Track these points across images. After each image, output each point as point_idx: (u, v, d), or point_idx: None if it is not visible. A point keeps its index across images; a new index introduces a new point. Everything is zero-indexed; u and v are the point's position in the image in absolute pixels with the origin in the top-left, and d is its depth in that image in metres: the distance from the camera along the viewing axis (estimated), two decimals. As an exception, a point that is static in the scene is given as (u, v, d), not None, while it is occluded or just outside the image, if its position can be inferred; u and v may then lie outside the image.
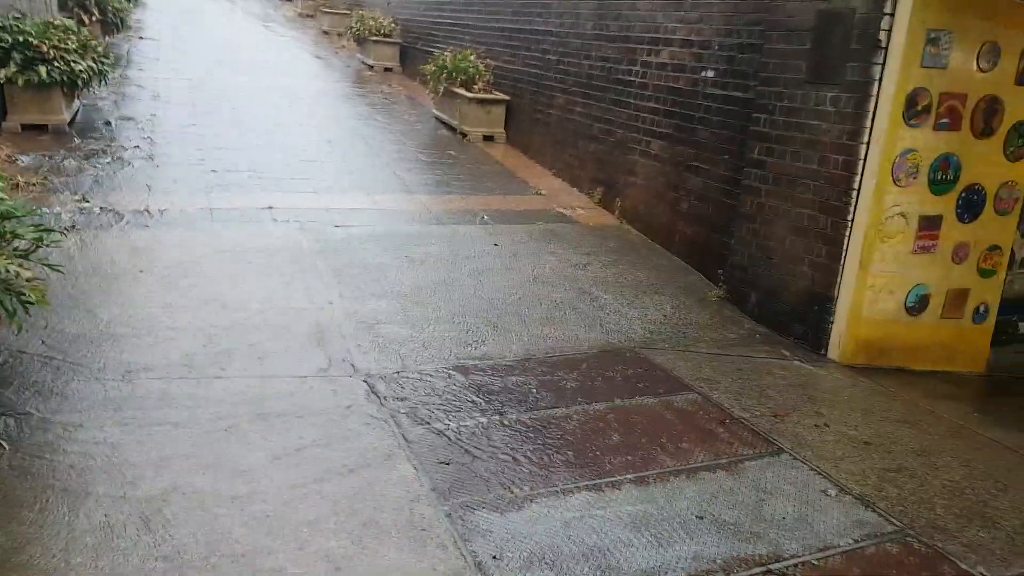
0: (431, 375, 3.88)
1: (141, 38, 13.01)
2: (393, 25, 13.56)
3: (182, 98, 9.50)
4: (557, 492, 2.97)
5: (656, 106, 6.49)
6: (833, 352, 4.62)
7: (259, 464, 2.98)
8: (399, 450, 3.17)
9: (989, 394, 4.71)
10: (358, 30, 13.74)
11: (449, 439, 3.29)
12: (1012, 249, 4.87)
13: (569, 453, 3.26)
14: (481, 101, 9.25)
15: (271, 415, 3.35)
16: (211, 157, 7.31)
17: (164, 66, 11.17)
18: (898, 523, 2.94)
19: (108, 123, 8.00)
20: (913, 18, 4.16)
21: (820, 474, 3.25)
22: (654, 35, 6.50)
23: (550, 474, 3.09)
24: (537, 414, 3.56)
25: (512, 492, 2.95)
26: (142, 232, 5.36)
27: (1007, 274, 4.91)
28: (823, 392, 4.15)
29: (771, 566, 2.63)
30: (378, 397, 3.60)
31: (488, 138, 9.29)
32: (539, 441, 3.34)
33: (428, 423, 3.41)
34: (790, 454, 3.39)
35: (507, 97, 9.30)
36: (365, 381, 3.75)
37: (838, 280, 4.56)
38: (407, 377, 3.83)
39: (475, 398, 3.68)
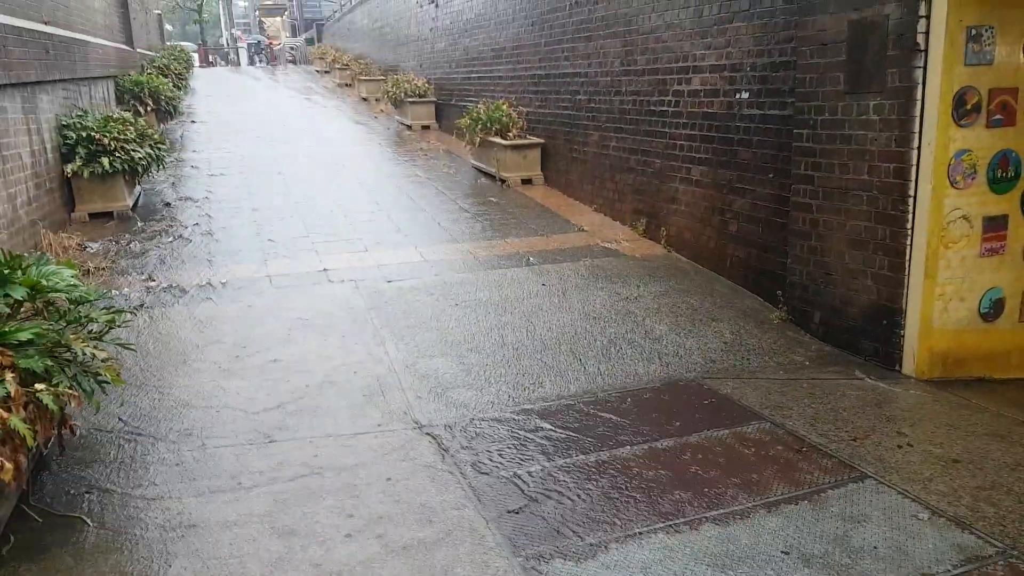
0: (492, 422, 3.83)
1: (193, 122, 13.65)
2: (427, 85, 13.93)
3: (234, 174, 9.87)
4: (632, 536, 2.86)
5: (692, 132, 6.45)
6: (907, 367, 4.41)
7: (331, 526, 2.96)
8: (467, 501, 3.11)
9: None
10: (394, 93, 14.15)
11: (516, 486, 3.22)
12: (1088, 243, 4.63)
13: (639, 493, 3.15)
14: (516, 147, 9.36)
15: (337, 472, 3.34)
16: (266, 227, 7.53)
17: (216, 146, 11.67)
18: (999, 544, 2.74)
19: (168, 204, 8.33)
20: (950, 17, 4.06)
21: (909, 497, 3.06)
22: (683, 64, 6.50)
23: (622, 517, 2.99)
24: (603, 455, 3.47)
25: (585, 539, 2.85)
26: (206, 305, 5.50)
27: (1086, 269, 4.66)
28: (902, 410, 3.95)
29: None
30: (441, 448, 3.57)
31: (526, 181, 9.36)
32: (607, 483, 3.24)
33: (493, 472, 3.35)
34: (874, 479, 3.21)
35: (541, 140, 9.39)
36: (427, 433, 3.72)
37: (904, 291, 4.38)
38: (468, 426, 3.79)
39: (538, 442, 3.61)
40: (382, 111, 15.44)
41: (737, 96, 5.87)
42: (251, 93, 18.51)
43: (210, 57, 32.44)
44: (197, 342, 4.85)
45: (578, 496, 3.14)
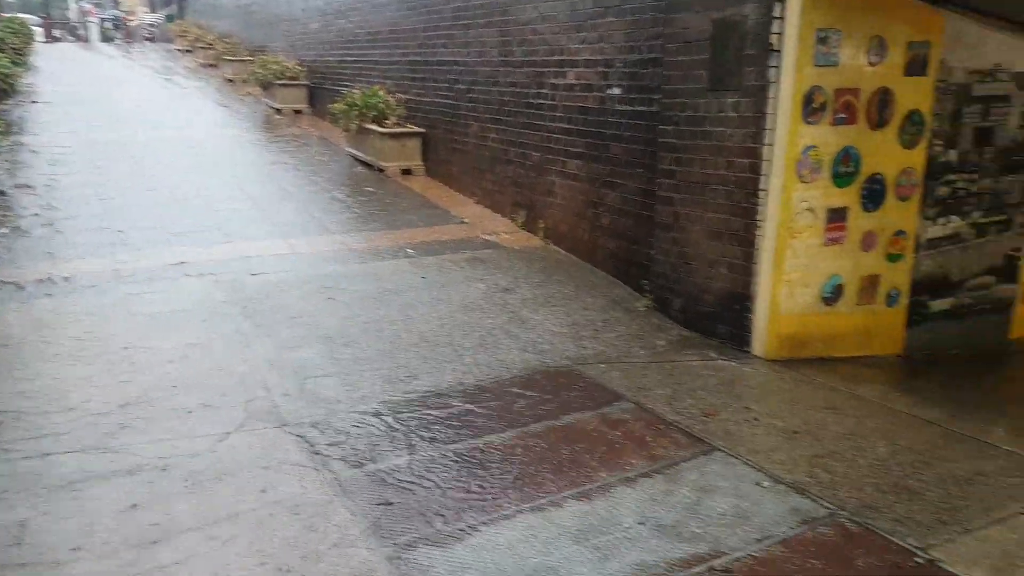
0: (363, 416, 3.76)
1: (34, 102, 12.49)
2: (299, 67, 13.44)
3: (81, 160, 9.13)
4: (500, 518, 2.90)
5: (568, 126, 6.59)
6: (757, 349, 4.72)
7: (188, 531, 2.81)
8: (335, 497, 3.05)
9: (907, 373, 4.89)
10: (262, 75, 13.56)
11: (386, 479, 3.19)
12: (916, 233, 5.10)
13: (510, 478, 3.20)
14: (395, 135, 9.22)
15: (194, 477, 3.17)
16: (117, 218, 7.02)
17: (60, 129, 10.74)
18: (831, 506, 2.98)
19: (2, 193, 7.59)
20: (802, 20, 4.35)
21: (753, 467, 3.28)
22: (559, 58, 6.62)
23: (492, 501, 3.02)
24: (475, 442, 3.49)
25: (454, 524, 2.86)
26: (45, 302, 5.07)
27: (914, 257, 5.14)
28: (750, 388, 4.23)
29: (713, 563, 2.62)
30: (308, 446, 3.46)
31: (406, 171, 9.25)
32: (479, 469, 3.27)
33: (363, 465, 3.29)
34: (724, 451, 3.42)
35: (422, 129, 9.30)
36: (293, 431, 3.60)
37: (755, 279, 4.68)
38: (338, 422, 3.70)
39: (411, 434, 3.58)
40: (249, 94, 14.77)
41: (609, 91, 6.05)
42: (103, 72, 17.22)
43: (55, 32, 29.78)
44: (35, 341, 4.46)
45: (449, 484, 3.15)
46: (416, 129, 9.33)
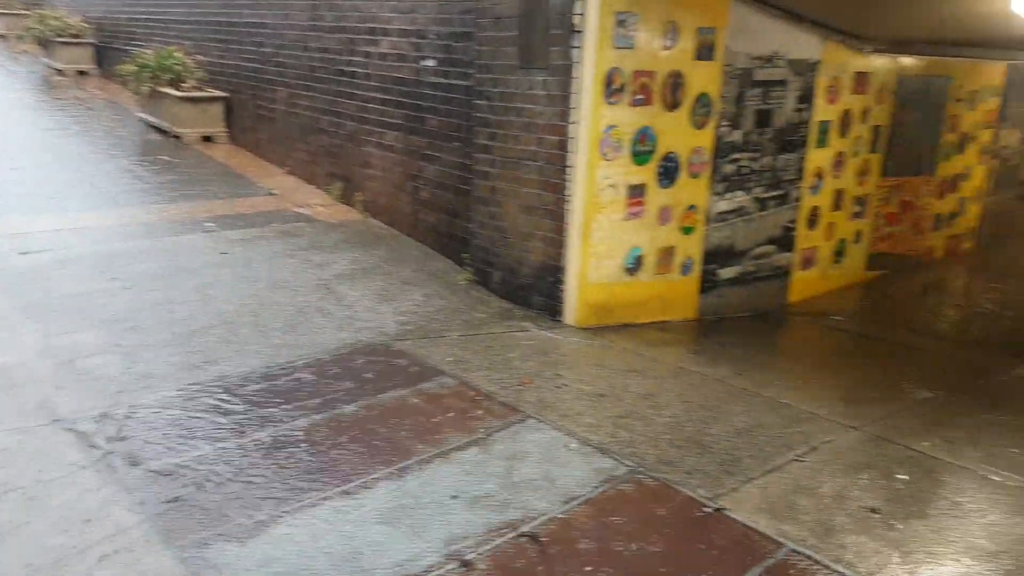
0: (153, 408, 3.46)
1: None
2: (84, 24, 12.00)
3: None
4: (305, 506, 2.80)
5: (385, 96, 6.42)
6: (569, 318, 4.93)
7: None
8: (117, 497, 2.78)
9: (700, 335, 5.33)
10: (40, 32, 11.96)
11: (176, 475, 2.96)
12: (706, 207, 5.54)
13: (319, 463, 3.09)
14: (194, 100, 8.53)
15: (-51, 485, 2.77)
16: None
17: None
18: (630, 463, 3.19)
19: None
20: (602, 2, 4.51)
21: (562, 431, 3.43)
22: (371, 25, 6.41)
23: (298, 489, 2.91)
24: (282, 428, 3.34)
25: (254, 517, 2.72)
26: None
27: (705, 229, 5.58)
28: (561, 355, 4.41)
29: (522, 528, 2.71)
30: (87, 443, 3.14)
31: (207, 139, 8.60)
32: (285, 457, 3.13)
33: (150, 462, 3.03)
34: (535, 418, 3.54)
35: (224, 94, 8.67)
36: (70, 428, 3.24)
37: (565, 251, 4.86)
38: (122, 415, 3.38)
39: (209, 424, 3.36)
40: (25, 51, 12.99)
41: (423, 63, 5.96)
42: None
43: None
44: None
45: (250, 475, 2.99)
46: (218, 93, 8.68)
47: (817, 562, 2.61)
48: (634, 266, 5.13)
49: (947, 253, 8.05)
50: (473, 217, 5.50)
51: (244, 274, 5.16)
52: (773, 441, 3.50)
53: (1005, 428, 3.83)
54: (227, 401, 3.55)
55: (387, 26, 6.25)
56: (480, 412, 3.58)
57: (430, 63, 5.88)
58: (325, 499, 2.84)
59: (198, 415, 3.41)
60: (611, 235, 4.93)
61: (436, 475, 3.03)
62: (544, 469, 3.10)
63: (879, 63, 6.51)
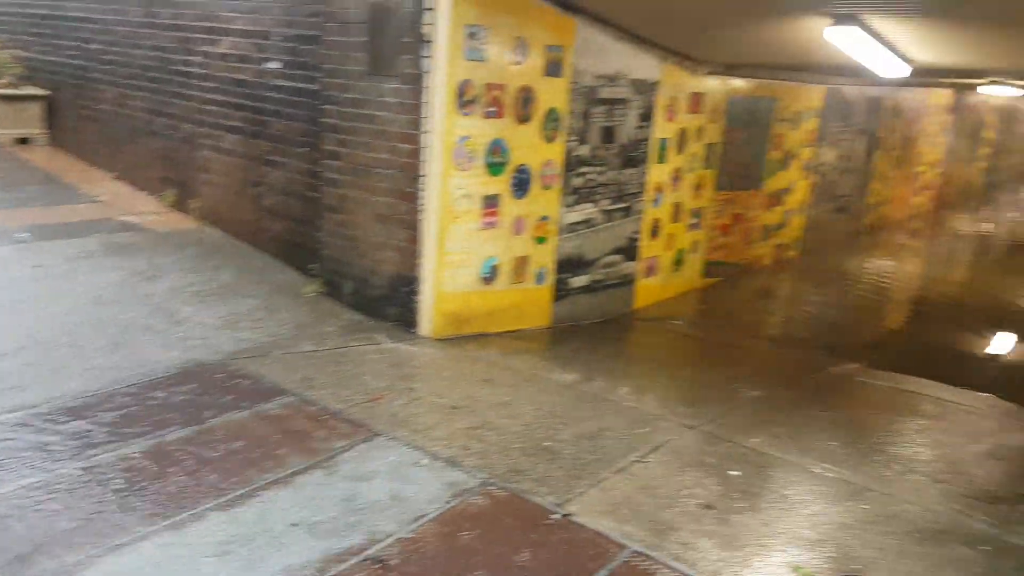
0: (-48, 438, 3.05)
1: None
2: None
3: None
4: (126, 544, 2.55)
5: (225, 98, 6.09)
6: (424, 329, 4.87)
7: None
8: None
9: (553, 343, 5.45)
10: None
11: (-24, 515, 2.62)
12: (558, 218, 5.68)
13: (142, 496, 2.83)
14: (8, 98, 7.70)
15: None
16: None
17: None
18: (482, 475, 3.18)
19: None
20: (452, 13, 4.50)
21: (413, 447, 3.36)
22: (211, 24, 6.06)
23: (119, 526, 2.65)
24: (100, 459, 3.04)
25: (62, 560, 2.45)
26: None
27: (557, 239, 5.72)
28: (415, 368, 4.35)
29: (366, 552, 2.62)
30: None
31: (23, 140, 7.78)
32: (103, 491, 2.84)
33: (-53, 500, 2.66)
34: (385, 435, 3.45)
35: (45, 92, 7.89)
36: None
37: (420, 261, 4.80)
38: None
39: (11, 458, 2.99)
40: None
41: (267, 65, 5.70)
42: None
43: None
44: None
45: (63, 513, 2.69)
46: (38, 92, 7.89)
47: (657, 561, 2.71)
48: (490, 275, 5.16)
49: (774, 261, 8.76)
50: (322, 226, 5.32)
51: (61, 289, 4.68)
52: (619, 443, 3.62)
53: (824, 423, 4.18)
54: (38, 431, 3.19)
55: (228, 26, 5.93)
56: (325, 432, 3.44)
57: (275, 65, 5.64)
58: (149, 535, 2.61)
59: None
60: (466, 245, 4.93)
61: (275, 502, 2.87)
62: (393, 488, 3.02)
63: (712, 84, 6.98)
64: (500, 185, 5.11)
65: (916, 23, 5.03)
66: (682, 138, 6.76)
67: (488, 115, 4.90)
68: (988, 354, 6.53)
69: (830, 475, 3.49)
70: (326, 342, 4.56)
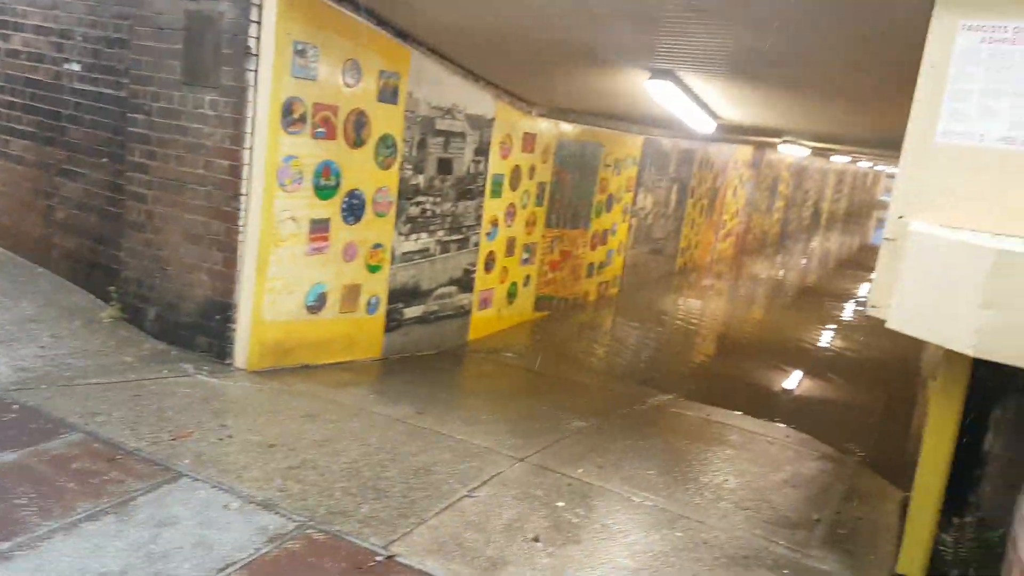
0: None
1: None
2: None
3: None
4: None
5: (12, 99, 5.40)
6: (240, 360, 4.51)
7: None
8: None
9: (384, 375, 5.27)
10: None
11: None
12: (392, 246, 5.55)
13: None
14: None
15: None
16: None
17: None
18: (300, 518, 2.94)
19: None
20: (279, 28, 4.29)
21: (222, 489, 3.05)
22: (1, 18, 5.38)
23: None
24: None
25: None
26: None
27: (391, 268, 5.57)
28: (229, 403, 3.99)
29: (161, 611, 2.31)
30: None
31: None
32: None
33: None
34: (190, 476, 3.10)
35: None
36: None
37: (237, 286, 4.46)
38: None
39: None
40: None
41: (66, 66, 5.13)
42: None
43: None
44: None
45: None
46: None
47: (485, 598, 2.62)
48: (317, 304, 4.91)
49: (598, 297, 9.15)
50: (124, 244, 4.80)
51: None
52: (448, 478, 3.51)
53: (644, 452, 4.33)
54: None
55: (21, 20, 5.29)
56: (119, 473, 3.03)
57: (75, 67, 5.09)
58: None
59: None
60: (291, 270, 4.65)
61: (56, 553, 2.46)
62: (197, 534, 2.70)
63: (544, 126, 7.22)
64: (330, 209, 4.91)
65: (723, 82, 5.51)
66: (516, 175, 6.90)
67: (318, 136, 4.70)
68: (783, 388, 7.18)
69: (648, 503, 3.58)
70: (124, 373, 4.08)
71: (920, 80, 2.85)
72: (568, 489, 3.61)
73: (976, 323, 2.44)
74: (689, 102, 5.78)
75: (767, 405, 6.26)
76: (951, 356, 2.87)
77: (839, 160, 19.67)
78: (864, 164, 23.37)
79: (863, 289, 13.52)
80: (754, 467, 4.36)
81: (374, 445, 3.77)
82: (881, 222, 30.74)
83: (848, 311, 11.60)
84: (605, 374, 6.75)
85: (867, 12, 3.25)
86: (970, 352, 2.47)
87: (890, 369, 7.90)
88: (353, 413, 4.20)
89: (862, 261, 17.67)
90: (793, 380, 7.38)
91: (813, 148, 12.17)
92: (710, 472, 4.14)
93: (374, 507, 3.14)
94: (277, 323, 4.65)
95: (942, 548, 2.86)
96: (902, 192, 2.97)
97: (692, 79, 5.39)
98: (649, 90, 5.33)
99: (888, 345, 8.70)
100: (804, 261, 17.08)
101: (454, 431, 4.16)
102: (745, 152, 13.38)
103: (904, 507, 3.86)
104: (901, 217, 2.95)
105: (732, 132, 9.23)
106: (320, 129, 4.70)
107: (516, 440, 4.16)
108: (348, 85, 4.82)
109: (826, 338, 9.65)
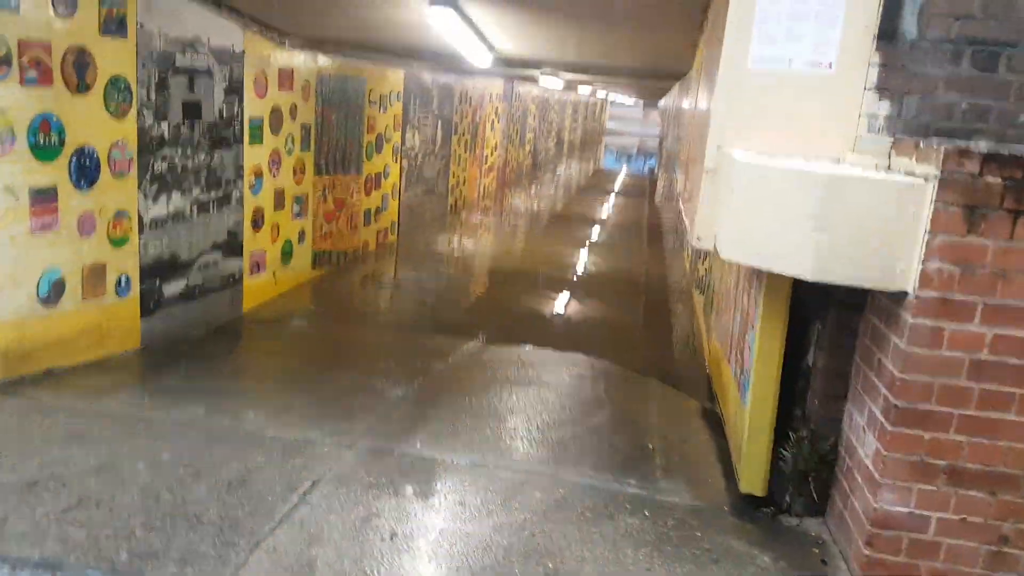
0: None
1: None
2: None
3: None
4: None
5: None
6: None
7: None
8: None
9: (152, 370, 4.45)
10: None
11: None
12: (139, 213, 4.62)
13: None
14: None
15: None
16: None
17: None
18: (96, 573, 2.32)
19: None
20: (-48, -66, 3.20)
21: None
22: None
23: None
24: None
25: None
26: None
27: (140, 239, 4.66)
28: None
29: None
30: None
31: None
32: None
33: None
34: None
35: None
36: None
37: (-62, 285, 3.40)
38: None
39: None
40: None
41: None
42: None
43: None
44: None
45: None
46: None
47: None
48: (52, 293, 3.95)
49: (377, 246, 8.68)
50: None
51: None
52: (272, 486, 3.02)
53: (474, 410, 4.09)
54: None
55: None
56: None
57: None
58: None
59: None
60: (14, 256, 3.67)
61: None
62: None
63: (301, 60, 6.46)
64: (56, 174, 3.93)
65: (504, 11, 5.25)
66: (276, 117, 6.13)
67: (28, 82, 3.71)
68: (560, 313, 7.31)
69: (501, 470, 3.38)
70: None
71: (732, 3, 2.83)
72: (412, 469, 3.30)
73: (812, 248, 2.50)
74: (469, 32, 5.47)
75: (555, 333, 6.37)
76: (772, 280, 3.00)
77: (583, 91, 20.72)
78: (600, 94, 24.87)
79: (603, 211, 14.78)
80: (580, 405, 4.37)
81: (168, 461, 3.13)
82: (608, 148, 33.40)
83: (594, 232, 12.35)
84: (404, 328, 6.41)
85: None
86: (807, 276, 2.54)
87: (641, 284, 8.47)
88: (129, 424, 3.46)
89: (598, 184, 19.89)
90: (566, 304, 7.55)
91: (570, 80, 12.53)
92: (545, 419, 4.05)
93: (190, 539, 2.59)
94: (4, 323, 3.66)
95: (781, 463, 3.03)
96: (719, 122, 2.97)
97: (473, 8, 5.06)
98: (429, 18, 4.91)
99: (633, 263, 9.39)
100: (552, 190, 17.93)
101: (261, 427, 3.61)
102: (497, 86, 13.42)
103: (709, 419, 4.12)
104: (720, 147, 2.96)
105: (505, 65, 9.08)
106: (31, 73, 3.69)
107: (337, 424, 3.72)
108: (61, 15, 3.81)
109: (583, 259, 10.05)
